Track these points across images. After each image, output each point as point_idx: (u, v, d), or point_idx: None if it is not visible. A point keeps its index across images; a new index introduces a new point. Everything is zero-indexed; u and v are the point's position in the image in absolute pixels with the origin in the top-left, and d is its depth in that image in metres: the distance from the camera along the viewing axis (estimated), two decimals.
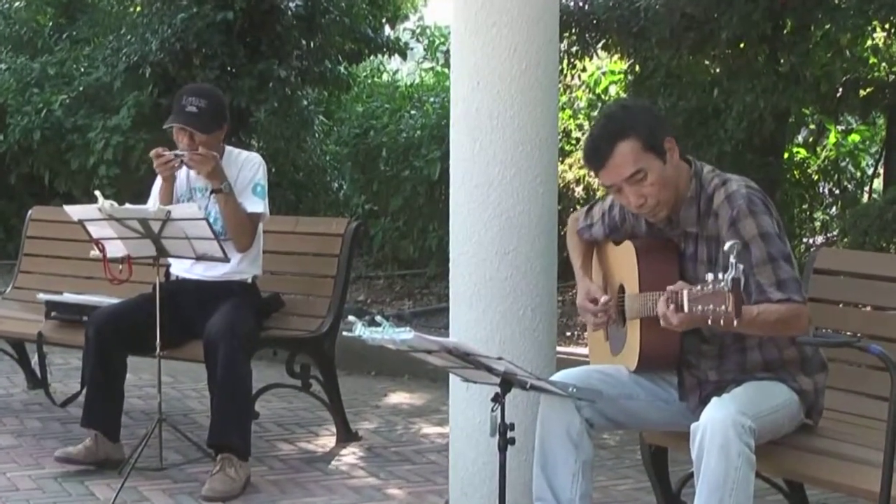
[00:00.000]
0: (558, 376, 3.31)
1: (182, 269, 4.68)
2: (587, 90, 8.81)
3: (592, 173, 3.44)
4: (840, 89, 7.32)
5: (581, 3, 7.52)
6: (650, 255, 3.24)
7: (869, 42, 7.32)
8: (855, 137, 8.35)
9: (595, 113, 8.39)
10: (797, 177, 8.10)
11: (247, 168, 4.61)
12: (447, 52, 7.89)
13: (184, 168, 4.55)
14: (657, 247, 3.27)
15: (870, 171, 8.61)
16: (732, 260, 2.64)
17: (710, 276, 2.72)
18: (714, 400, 3.04)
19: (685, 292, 2.78)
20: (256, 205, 4.56)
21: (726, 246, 2.69)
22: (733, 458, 2.90)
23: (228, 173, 4.56)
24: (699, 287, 2.74)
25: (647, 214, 3.22)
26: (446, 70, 9.89)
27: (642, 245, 3.28)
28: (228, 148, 4.70)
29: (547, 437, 3.26)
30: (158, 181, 4.74)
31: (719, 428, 2.91)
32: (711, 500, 2.91)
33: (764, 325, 2.98)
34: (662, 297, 2.87)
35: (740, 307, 2.65)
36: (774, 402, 3.11)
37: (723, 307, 2.67)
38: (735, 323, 2.69)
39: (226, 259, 4.36)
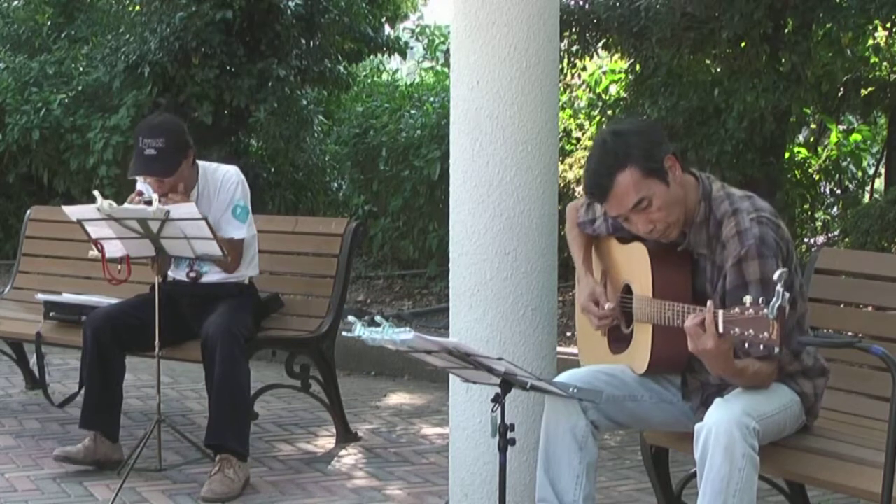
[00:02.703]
0: (563, 377, 3.30)
1: (178, 273, 4.67)
2: (588, 90, 8.79)
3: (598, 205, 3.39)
4: (841, 89, 7.31)
5: (581, 2, 7.49)
6: (665, 262, 3.20)
7: (870, 41, 7.30)
8: (856, 137, 8.33)
9: (595, 112, 8.37)
10: (798, 176, 8.08)
11: (224, 189, 4.55)
12: (447, 52, 7.87)
13: None
14: (671, 253, 3.23)
15: (871, 171, 8.59)
16: (779, 288, 2.62)
17: (748, 300, 2.70)
18: (718, 401, 3.03)
19: (721, 313, 2.76)
20: (237, 229, 4.52)
21: (776, 275, 2.66)
22: (737, 459, 2.89)
23: (208, 194, 4.54)
24: (736, 309, 2.72)
25: (659, 237, 3.18)
26: (446, 70, 9.87)
27: (656, 249, 3.23)
28: (203, 165, 4.62)
29: (551, 438, 3.25)
30: None
31: (724, 429, 2.90)
32: (715, 501, 2.90)
33: (742, 378, 3.00)
34: (692, 315, 2.84)
35: (784, 336, 2.64)
36: (778, 404, 3.10)
37: (765, 334, 2.65)
38: (776, 350, 2.67)
39: (225, 259, 4.34)
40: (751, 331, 2.68)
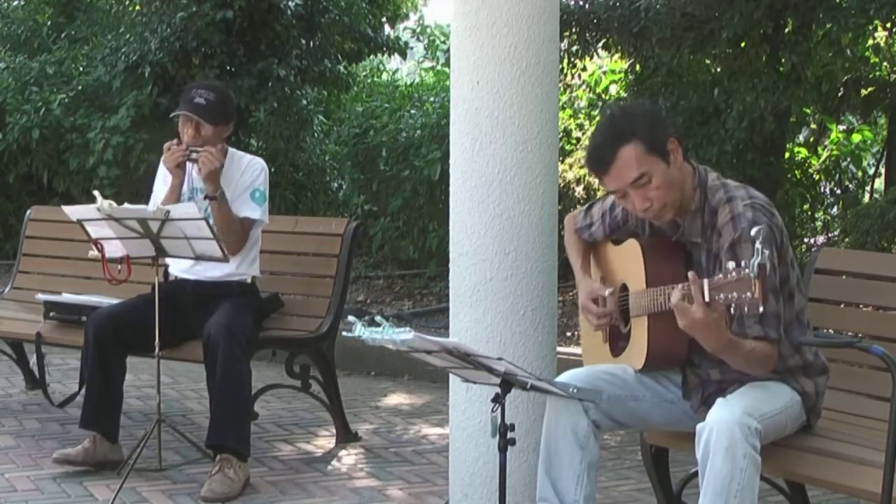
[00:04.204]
0: (564, 377, 3.30)
1: (180, 269, 4.67)
2: (587, 90, 8.79)
3: (597, 179, 3.43)
4: (841, 89, 7.31)
5: (581, 3, 7.50)
6: (657, 251, 3.24)
7: (870, 41, 7.30)
8: (857, 137, 8.33)
9: (595, 112, 8.37)
10: (798, 176, 8.08)
11: (248, 172, 4.61)
12: (447, 52, 7.86)
13: (188, 168, 4.55)
14: (663, 244, 3.27)
15: (871, 171, 8.59)
16: (758, 245, 2.64)
17: (731, 265, 2.72)
18: (719, 401, 3.04)
19: (705, 281, 2.77)
20: (252, 210, 4.56)
21: (753, 231, 2.71)
22: (739, 459, 2.89)
23: (230, 175, 4.57)
24: (719, 276, 2.73)
25: (653, 218, 3.21)
26: (446, 69, 9.86)
27: (648, 242, 3.28)
28: (232, 150, 4.70)
29: (553, 438, 3.26)
30: (158, 182, 4.74)
31: (725, 429, 2.90)
32: (717, 501, 2.91)
33: (737, 354, 2.99)
34: (677, 288, 2.85)
35: (767, 293, 2.65)
36: (779, 404, 3.11)
37: (748, 294, 2.66)
38: (760, 309, 2.68)
39: (225, 259, 4.34)
40: (734, 293, 2.70)
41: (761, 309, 2.69)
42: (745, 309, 2.72)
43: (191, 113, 4.51)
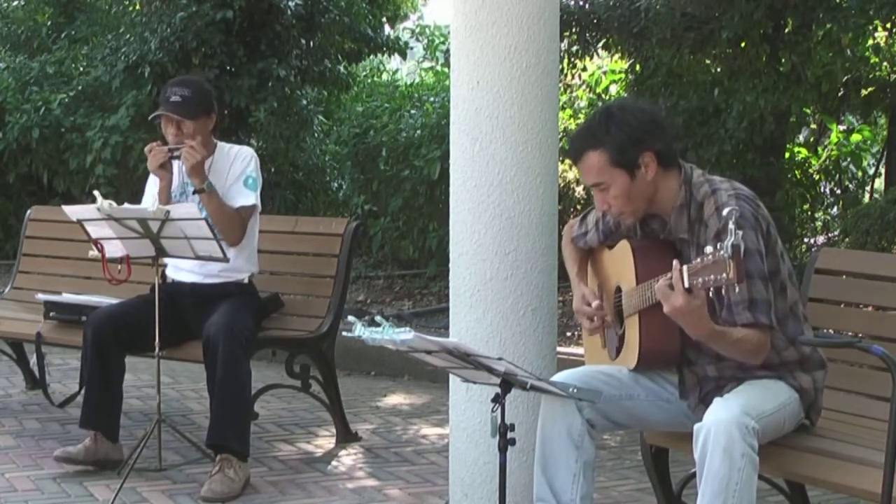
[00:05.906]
0: (560, 377, 3.30)
1: (176, 267, 4.66)
2: (588, 90, 8.80)
3: None
4: (841, 89, 7.32)
5: (581, 3, 7.51)
6: (646, 250, 3.27)
7: (870, 41, 7.31)
8: (857, 137, 8.33)
9: None
10: (798, 177, 8.09)
11: (238, 161, 4.61)
12: (447, 52, 7.86)
13: (176, 165, 4.55)
14: (652, 243, 3.29)
15: (871, 171, 8.59)
16: (731, 226, 2.66)
17: (708, 249, 2.75)
18: (717, 400, 3.04)
19: (684, 268, 2.80)
20: (247, 197, 4.56)
21: (725, 211, 2.74)
22: (737, 459, 2.89)
23: (220, 167, 4.57)
24: (698, 260, 2.76)
25: (614, 218, 3.34)
26: (446, 70, 9.87)
27: (638, 243, 3.31)
28: (220, 143, 4.70)
29: (548, 437, 3.26)
30: (150, 184, 4.75)
31: (723, 429, 2.90)
32: (715, 501, 2.91)
33: (725, 342, 3.01)
34: (662, 279, 2.87)
35: (742, 273, 2.67)
36: (777, 402, 3.11)
37: (724, 275, 2.69)
38: (737, 289, 2.72)
39: (225, 259, 4.34)
40: (711, 275, 2.72)
41: (737, 289, 2.73)
42: (723, 291, 2.75)
43: (169, 112, 4.52)
